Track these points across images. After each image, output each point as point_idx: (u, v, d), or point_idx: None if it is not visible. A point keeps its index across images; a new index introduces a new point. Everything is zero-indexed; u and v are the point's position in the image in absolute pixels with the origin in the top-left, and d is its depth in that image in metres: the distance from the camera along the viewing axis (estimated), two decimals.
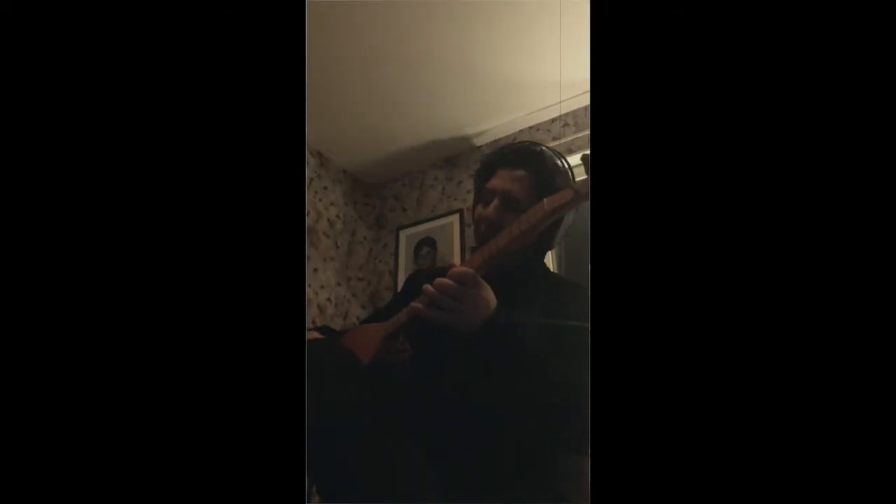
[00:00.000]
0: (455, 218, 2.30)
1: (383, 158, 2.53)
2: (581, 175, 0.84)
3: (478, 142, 2.38)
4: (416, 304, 0.71)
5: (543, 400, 0.67)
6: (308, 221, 2.32)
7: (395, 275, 2.39)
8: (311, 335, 0.91)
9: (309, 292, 2.21)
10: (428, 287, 0.69)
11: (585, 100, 2.10)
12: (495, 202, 0.91)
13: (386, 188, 2.70)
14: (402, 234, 2.46)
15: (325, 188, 2.48)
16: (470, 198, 2.31)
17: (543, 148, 0.96)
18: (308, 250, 2.28)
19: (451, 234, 2.28)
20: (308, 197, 2.35)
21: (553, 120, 2.21)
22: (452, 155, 2.47)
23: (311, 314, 2.18)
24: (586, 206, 0.93)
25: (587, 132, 2.02)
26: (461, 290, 0.68)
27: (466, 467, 0.67)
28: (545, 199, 0.72)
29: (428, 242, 2.34)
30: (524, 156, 0.94)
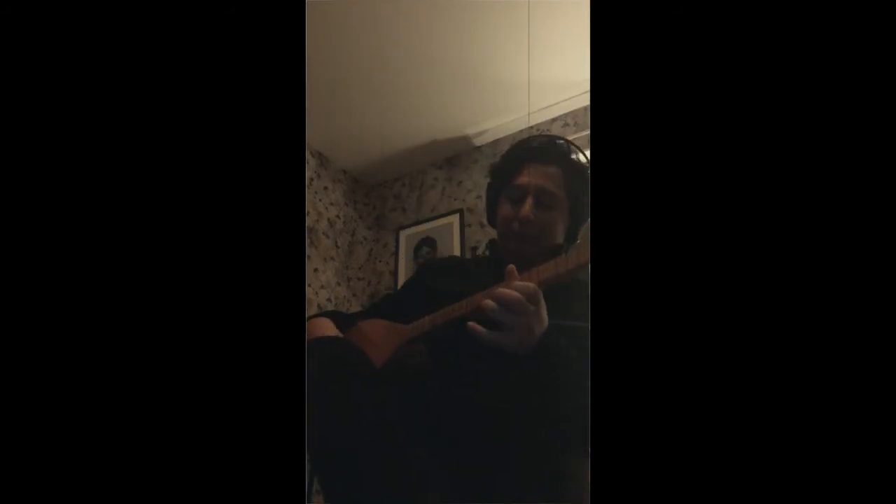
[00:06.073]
0: (455, 218, 2.30)
1: (383, 158, 2.53)
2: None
3: (478, 142, 2.38)
4: (472, 325, 0.64)
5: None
6: (308, 221, 2.32)
7: (395, 275, 2.39)
8: (320, 325, 0.87)
9: (309, 292, 2.21)
10: (488, 302, 0.63)
11: (585, 100, 2.10)
12: (529, 200, 0.87)
13: (386, 188, 2.70)
14: (402, 235, 2.45)
15: (325, 188, 2.48)
16: (470, 197, 2.31)
17: (563, 141, 0.93)
18: (308, 250, 2.28)
19: (451, 234, 2.28)
20: (308, 197, 2.36)
21: (553, 120, 2.20)
22: (452, 155, 2.47)
23: (310, 314, 2.18)
24: (587, 204, 0.92)
25: (587, 132, 2.01)
26: (527, 307, 0.62)
27: (483, 477, 0.65)
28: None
29: (428, 242, 2.34)
30: (550, 151, 0.90)
